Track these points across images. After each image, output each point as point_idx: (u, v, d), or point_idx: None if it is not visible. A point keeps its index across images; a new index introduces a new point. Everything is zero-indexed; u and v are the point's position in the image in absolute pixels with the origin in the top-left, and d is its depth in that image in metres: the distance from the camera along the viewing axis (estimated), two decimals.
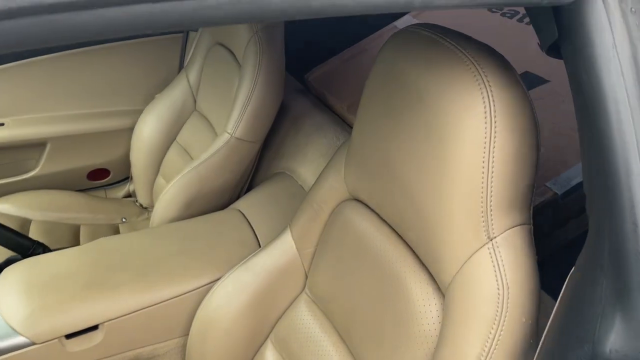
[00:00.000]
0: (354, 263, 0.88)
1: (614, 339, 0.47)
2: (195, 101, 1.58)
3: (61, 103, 1.65)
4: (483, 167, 0.63)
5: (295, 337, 0.98)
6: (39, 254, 1.17)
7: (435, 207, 0.69)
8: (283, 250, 1.01)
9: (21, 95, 1.59)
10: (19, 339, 0.97)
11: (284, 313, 1.02)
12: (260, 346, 1.04)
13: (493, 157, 0.63)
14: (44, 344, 0.98)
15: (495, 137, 0.63)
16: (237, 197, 1.41)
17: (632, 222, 0.46)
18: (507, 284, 0.64)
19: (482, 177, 0.64)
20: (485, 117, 0.62)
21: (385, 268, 0.81)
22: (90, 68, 1.65)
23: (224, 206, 1.37)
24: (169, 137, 1.60)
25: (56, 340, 0.99)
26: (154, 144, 1.61)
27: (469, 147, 0.64)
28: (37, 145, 1.64)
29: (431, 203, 0.70)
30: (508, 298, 0.64)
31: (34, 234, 1.47)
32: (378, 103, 0.79)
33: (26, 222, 1.51)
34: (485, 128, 0.63)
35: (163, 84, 1.67)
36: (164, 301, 1.06)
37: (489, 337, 0.64)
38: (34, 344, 0.97)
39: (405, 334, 0.76)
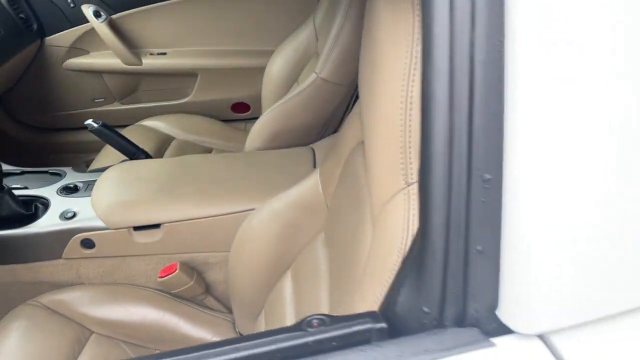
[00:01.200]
0: (345, 208, 0.84)
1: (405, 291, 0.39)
2: (317, 42, 1.61)
3: (212, 39, 1.85)
4: (402, 98, 0.55)
5: (307, 270, 0.99)
6: (140, 158, 1.37)
7: (372, 143, 0.63)
8: (310, 187, 1.01)
9: (180, 29, 1.83)
10: (99, 223, 1.17)
11: (305, 247, 1.03)
12: (283, 274, 1.07)
13: (412, 88, 0.54)
14: (116, 230, 1.17)
15: (416, 63, 0.54)
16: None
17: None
18: (413, 238, 0.55)
19: (401, 110, 0.56)
20: (410, 42, 0.54)
21: (359, 213, 0.76)
22: (239, 8, 1.81)
23: (309, 144, 1.40)
24: (292, 78, 1.67)
25: (126, 229, 1.17)
26: (279, 84, 1.70)
27: (393, 77, 0.56)
28: (190, 75, 1.88)
29: (371, 138, 0.63)
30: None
31: (172, 149, 1.72)
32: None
33: (169, 139, 1.76)
34: (407, 53, 0.54)
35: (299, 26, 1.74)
36: (217, 215, 1.16)
37: None
38: (108, 228, 1.17)
39: (347, 280, 0.71)
